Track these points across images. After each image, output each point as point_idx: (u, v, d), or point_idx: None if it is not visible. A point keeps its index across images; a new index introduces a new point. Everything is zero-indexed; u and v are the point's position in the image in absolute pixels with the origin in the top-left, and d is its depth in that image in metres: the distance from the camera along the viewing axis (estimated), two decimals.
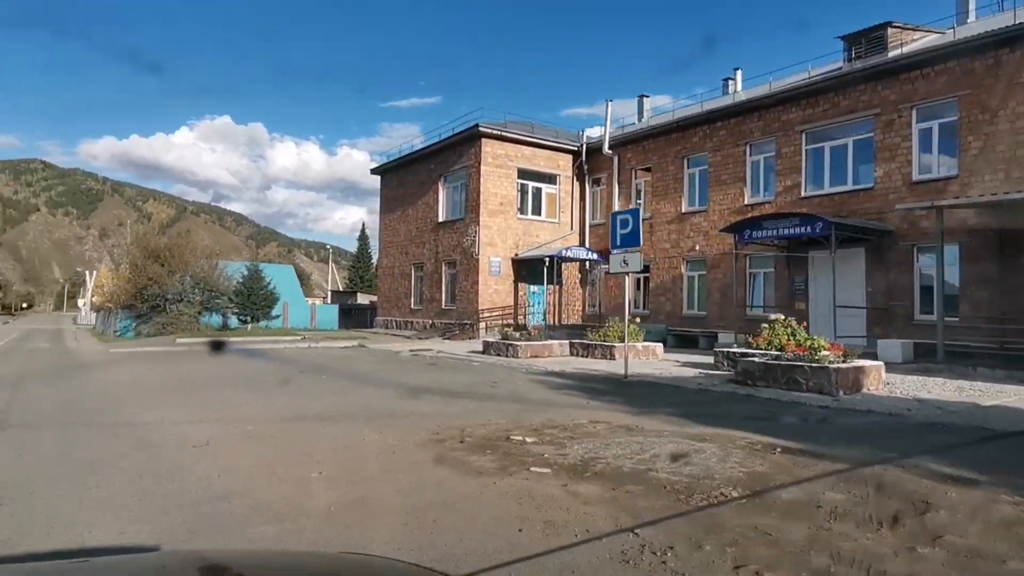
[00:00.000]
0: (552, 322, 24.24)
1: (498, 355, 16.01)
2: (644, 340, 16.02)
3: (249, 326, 26.22)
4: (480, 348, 17.67)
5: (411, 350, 18.15)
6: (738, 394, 9.69)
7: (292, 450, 5.85)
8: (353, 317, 35.90)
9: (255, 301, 25.19)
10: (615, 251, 11.75)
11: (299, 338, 23.76)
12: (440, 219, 26.80)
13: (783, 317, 12.95)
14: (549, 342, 16.22)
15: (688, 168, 23.17)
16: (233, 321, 30.97)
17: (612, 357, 15.07)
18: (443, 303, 26.19)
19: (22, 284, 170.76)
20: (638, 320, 16.45)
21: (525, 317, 24.80)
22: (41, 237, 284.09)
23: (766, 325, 12.95)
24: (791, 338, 12.42)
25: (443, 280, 26.29)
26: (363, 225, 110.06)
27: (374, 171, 31.34)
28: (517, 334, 16.33)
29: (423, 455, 5.60)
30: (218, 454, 5.70)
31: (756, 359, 10.66)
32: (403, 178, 29.37)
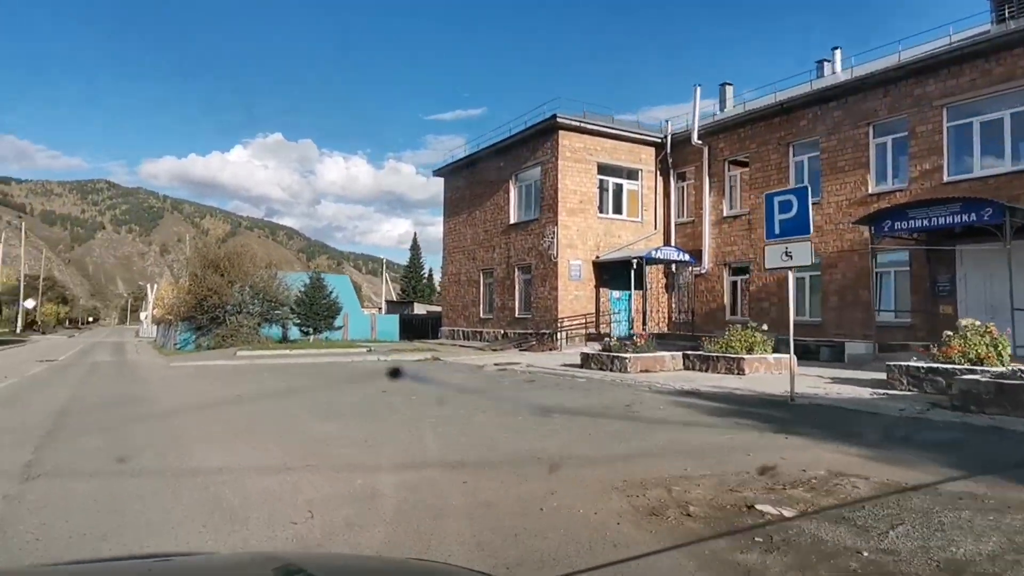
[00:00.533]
0: (638, 331, 21.88)
1: (601, 369, 13.83)
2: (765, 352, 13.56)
3: (311, 337, 24.75)
4: (575, 361, 15.53)
5: (496, 364, 16.13)
6: (975, 425, 7.25)
7: (443, 536, 3.80)
8: (414, 328, 34.27)
9: (317, 311, 23.71)
10: (773, 241, 9.45)
11: (365, 350, 22.10)
12: (512, 221, 24.84)
13: (976, 322, 10.38)
14: (660, 354, 13.95)
15: (794, 156, 20.59)
16: (293, 332, 29.70)
17: (740, 372, 12.70)
18: (516, 311, 24.15)
19: (88, 299, 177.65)
20: (765, 327, 14.01)
21: (609, 325, 22.53)
22: (106, 253, 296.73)
23: (951, 333, 10.40)
24: (991, 349, 9.89)
25: (516, 286, 24.27)
26: (414, 236, 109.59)
27: (437, 172, 29.67)
28: (622, 344, 14.10)
29: (654, 543, 3.48)
30: (333, 537, 3.71)
31: (981, 378, 8.17)
32: (468, 179, 27.57)
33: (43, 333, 66.33)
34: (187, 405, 10.22)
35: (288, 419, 8.51)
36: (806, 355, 18.27)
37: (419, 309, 46.57)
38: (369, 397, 10.72)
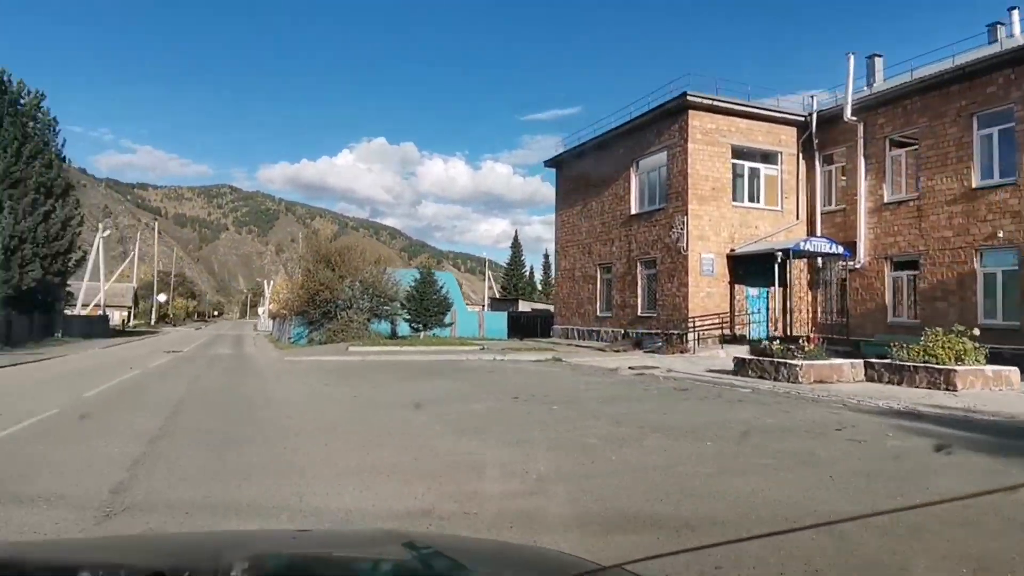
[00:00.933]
0: (781, 333, 19.28)
1: (763, 377, 11.70)
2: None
3: (421, 334, 24.00)
4: (721, 367, 13.47)
5: (631, 368, 14.33)
6: None
7: None
8: (521, 326, 33.03)
9: (428, 307, 22.89)
10: None
11: (478, 348, 20.96)
12: (633, 211, 22.86)
13: None
14: (837, 362, 11.64)
15: (979, 129, 17.27)
16: (403, 328, 29.27)
17: (951, 387, 10.18)
18: (639, 309, 22.15)
19: (214, 294, 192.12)
20: (976, 331, 11.31)
21: (745, 327, 20.08)
22: (229, 253, 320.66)
23: None
24: None
25: (639, 282, 22.26)
26: (515, 233, 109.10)
27: (548, 163, 28.18)
28: (786, 349, 11.89)
29: None
30: None
31: None
32: (583, 168, 25.85)
33: (174, 325, 71.49)
34: (303, 413, 9.20)
35: (419, 431, 7.19)
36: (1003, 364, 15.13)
37: (523, 307, 45.42)
38: (503, 405, 9.29)
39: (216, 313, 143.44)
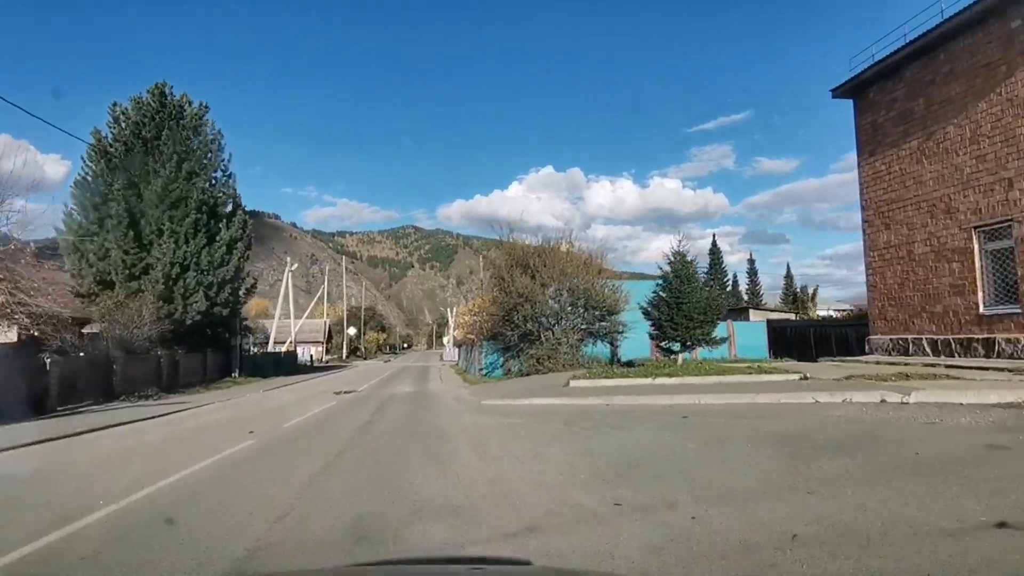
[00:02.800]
0: None
1: None
2: None
3: (678, 357, 15.77)
4: None
5: None
6: None
7: None
8: (787, 339, 23.54)
9: (690, 315, 14.58)
10: None
11: (791, 377, 12.36)
12: None
13: None
14: None
15: None
16: (628, 349, 21.42)
17: None
18: None
19: (403, 328, 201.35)
20: None
21: None
22: (415, 288, 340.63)
23: None
24: None
25: None
26: (713, 237, 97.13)
27: (837, 93, 18.72)
28: None
29: None
30: None
31: None
32: (915, 82, 16.20)
33: (364, 359, 71.07)
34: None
35: None
36: None
37: (755, 316, 35.49)
38: None
39: (405, 345, 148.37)
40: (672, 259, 15.28)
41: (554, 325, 20.69)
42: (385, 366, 49.19)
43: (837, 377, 12.53)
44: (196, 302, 23.06)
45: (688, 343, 15.11)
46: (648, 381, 13.53)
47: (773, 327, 25.09)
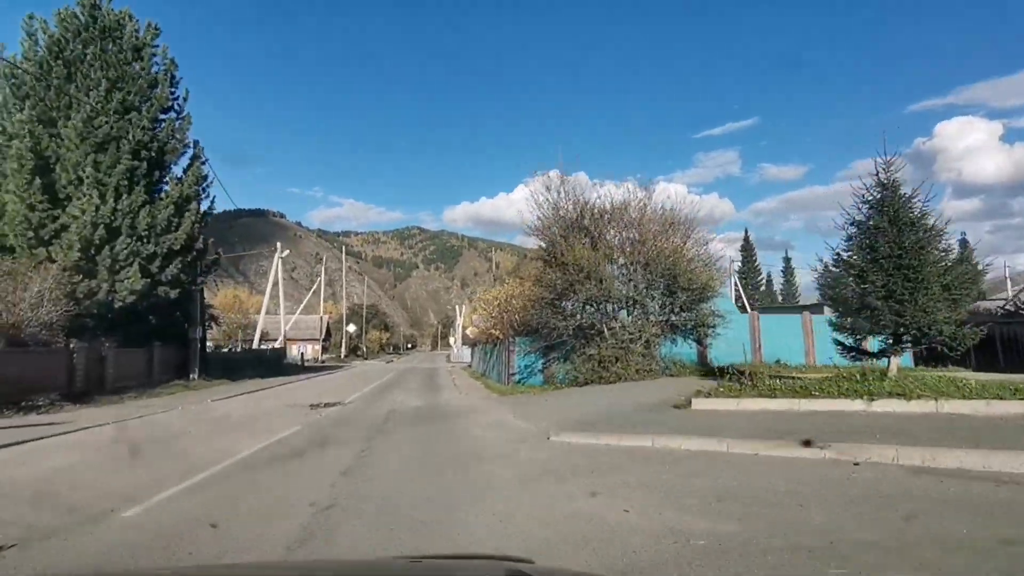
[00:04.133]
0: None
1: None
2: None
3: (891, 362, 9.33)
4: None
5: None
6: None
7: None
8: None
9: (928, 286, 8.12)
10: None
11: None
12: None
13: None
14: None
15: None
16: (719, 352, 15.40)
17: None
18: None
19: (407, 328, 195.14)
20: None
21: None
22: (420, 289, 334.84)
23: None
24: None
25: None
26: (745, 232, 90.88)
27: None
28: None
29: None
30: None
31: None
32: None
33: (364, 359, 64.91)
34: None
35: None
36: None
37: (830, 312, 29.16)
38: None
39: (409, 346, 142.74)
40: (882, 186, 8.84)
41: (621, 314, 14.53)
42: (387, 367, 43.11)
43: None
44: (129, 278, 16.93)
45: (917, 336, 8.57)
46: (861, 407, 7.33)
47: None
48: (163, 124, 19.34)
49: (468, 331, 44.03)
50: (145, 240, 17.56)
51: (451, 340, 72.14)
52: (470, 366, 41.22)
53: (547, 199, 14.95)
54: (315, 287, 58.09)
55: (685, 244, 14.65)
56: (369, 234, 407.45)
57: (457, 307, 72.25)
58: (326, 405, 13.84)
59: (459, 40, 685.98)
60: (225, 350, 41.50)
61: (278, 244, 42.66)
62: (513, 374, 17.92)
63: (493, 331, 22.90)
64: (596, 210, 14.72)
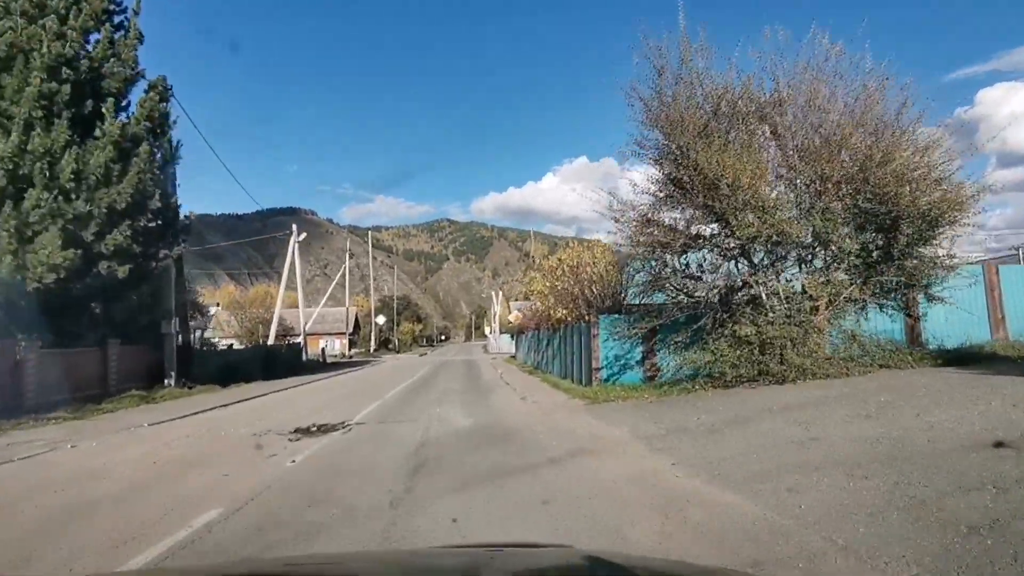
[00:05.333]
0: None
1: None
2: None
3: None
4: None
5: None
6: None
7: None
8: None
9: None
10: None
11: None
12: None
13: None
14: None
15: None
16: (934, 324, 9.61)
17: None
18: None
19: (440, 320, 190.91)
20: None
21: None
22: (451, 281, 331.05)
23: None
24: None
25: None
26: None
27: None
28: None
29: None
30: None
31: None
32: None
33: (397, 352, 60.05)
34: None
35: None
36: None
37: None
38: None
39: (443, 337, 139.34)
40: None
41: (789, 268, 8.80)
42: (419, 361, 38.00)
43: None
44: (46, 248, 11.76)
45: None
46: None
47: None
48: (101, 39, 14.12)
49: (511, 317, 38.53)
50: (72, 196, 12.37)
51: (486, 330, 66.93)
52: (514, 357, 35.84)
53: (657, 89, 9.16)
54: (339, 275, 53.22)
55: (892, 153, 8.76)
56: (399, 228, 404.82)
57: (493, 294, 66.83)
58: (317, 430, 8.46)
59: (484, 31, 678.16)
60: (238, 347, 36.89)
61: (294, 226, 37.65)
62: (599, 369, 12.28)
63: (553, 311, 17.28)
64: (757, 96, 8.81)
